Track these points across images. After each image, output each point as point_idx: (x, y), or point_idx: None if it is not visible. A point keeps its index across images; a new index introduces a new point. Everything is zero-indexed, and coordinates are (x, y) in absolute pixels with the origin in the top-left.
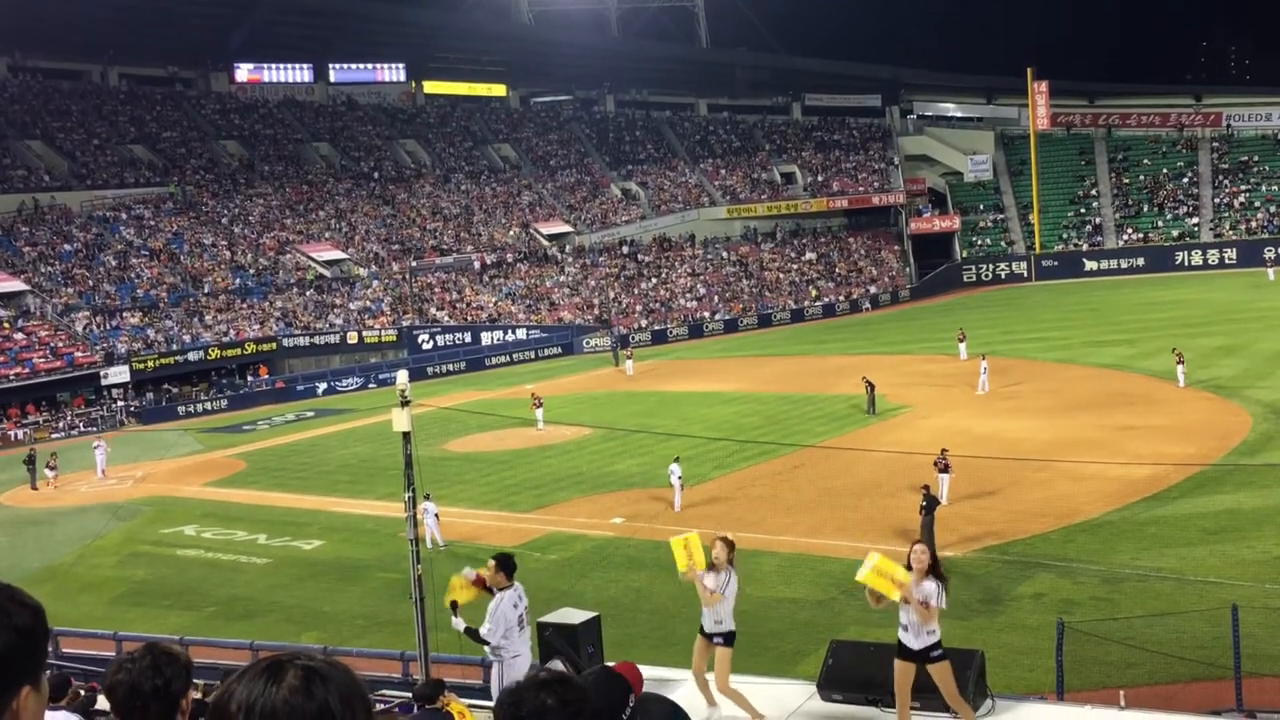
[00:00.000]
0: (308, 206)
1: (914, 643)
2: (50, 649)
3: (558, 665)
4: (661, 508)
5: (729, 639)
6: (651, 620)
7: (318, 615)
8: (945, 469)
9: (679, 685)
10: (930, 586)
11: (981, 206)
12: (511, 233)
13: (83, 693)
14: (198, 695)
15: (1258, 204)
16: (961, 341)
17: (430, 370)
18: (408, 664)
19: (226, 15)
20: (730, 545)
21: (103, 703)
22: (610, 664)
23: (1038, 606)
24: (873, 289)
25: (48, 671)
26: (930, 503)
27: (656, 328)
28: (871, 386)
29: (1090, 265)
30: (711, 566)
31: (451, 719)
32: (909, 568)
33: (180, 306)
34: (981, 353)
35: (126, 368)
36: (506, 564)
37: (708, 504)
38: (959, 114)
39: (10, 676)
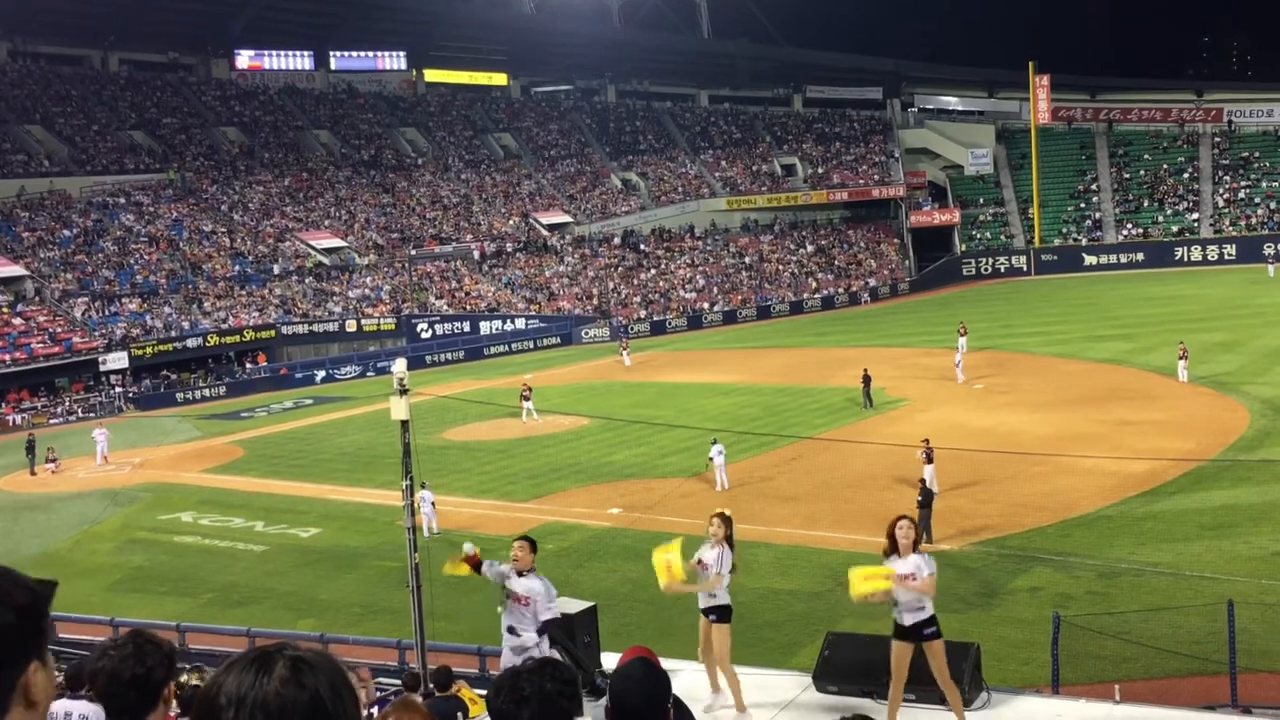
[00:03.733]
0: (307, 194)
1: (906, 619)
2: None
3: (554, 655)
4: (658, 498)
5: (723, 614)
6: (648, 610)
7: (314, 603)
8: (929, 459)
9: (675, 675)
10: (917, 560)
11: (981, 200)
12: (511, 222)
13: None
14: (196, 681)
15: (1258, 200)
16: (963, 335)
17: (429, 359)
18: (404, 652)
19: (228, 1)
20: (726, 521)
21: None
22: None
23: (1033, 600)
24: (872, 281)
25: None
26: (926, 497)
27: (655, 319)
28: (868, 380)
29: (1090, 260)
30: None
31: (465, 705)
32: (894, 545)
33: (179, 293)
34: (956, 345)
35: (125, 354)
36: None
37: (703, 495)
38: (960, 107)
39: (16, 652)
